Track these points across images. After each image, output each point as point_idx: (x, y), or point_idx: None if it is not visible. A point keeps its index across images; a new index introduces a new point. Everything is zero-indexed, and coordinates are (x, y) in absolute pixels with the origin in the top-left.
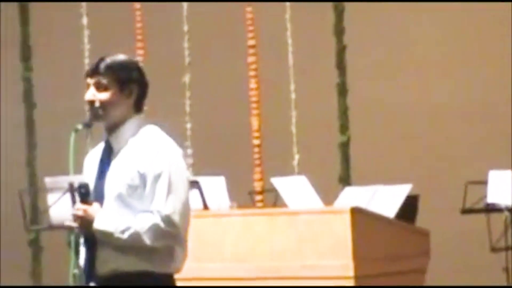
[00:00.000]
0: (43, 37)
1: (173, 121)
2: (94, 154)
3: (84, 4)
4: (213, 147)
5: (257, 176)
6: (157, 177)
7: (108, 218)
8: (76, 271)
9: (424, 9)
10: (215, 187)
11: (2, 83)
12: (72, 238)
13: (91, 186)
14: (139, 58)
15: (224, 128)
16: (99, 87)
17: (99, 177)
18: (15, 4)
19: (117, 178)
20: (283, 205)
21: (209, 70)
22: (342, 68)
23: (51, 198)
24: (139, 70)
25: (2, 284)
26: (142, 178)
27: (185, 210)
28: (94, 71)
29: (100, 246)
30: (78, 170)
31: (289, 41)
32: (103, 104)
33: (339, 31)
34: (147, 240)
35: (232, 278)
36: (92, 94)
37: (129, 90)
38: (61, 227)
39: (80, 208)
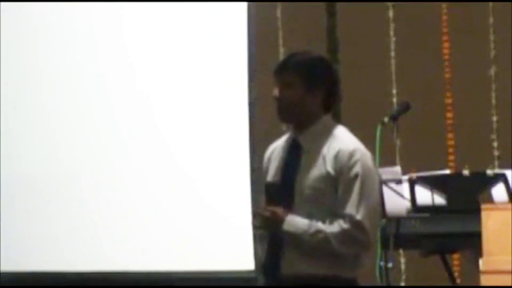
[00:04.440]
0: (349, 29)
1: (479, 114)
2: (275, 151)
3: None
4: None
5: None
6: (351, 181)
7: (299, 220)
8: (382, 263)
9: None
10: None
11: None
12: (379, 231)
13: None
14: (444, 52)
15: None
16: (286, 85)
17: (286, 176)
18: None
19: (308, 180)
20: None
21: None
22: None
23: None
24: (328, 68)
25: None
26: (334, 181)
27: (376, 216)
28: (282, 68)
29: (286, 247)
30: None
31: None
32: (288, 102)
33: None
34: (336, 245)
35: None
36: (278, 91)
37: (316, 89)
38: None
39: (268, 209)
